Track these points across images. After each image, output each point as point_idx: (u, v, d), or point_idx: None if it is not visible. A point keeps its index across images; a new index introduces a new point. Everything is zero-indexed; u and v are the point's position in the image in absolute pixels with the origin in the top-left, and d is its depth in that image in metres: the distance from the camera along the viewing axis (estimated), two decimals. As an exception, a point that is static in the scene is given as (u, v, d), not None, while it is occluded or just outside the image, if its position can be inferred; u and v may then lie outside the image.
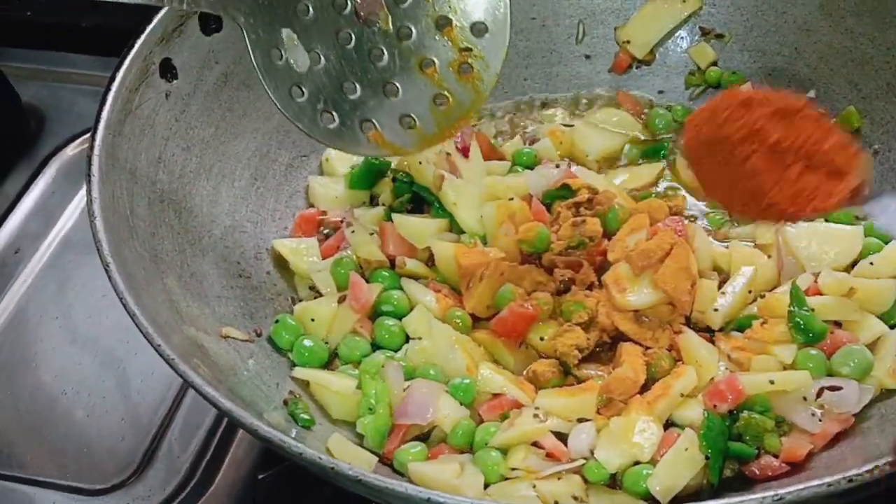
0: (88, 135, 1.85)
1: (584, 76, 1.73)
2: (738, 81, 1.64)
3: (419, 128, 1.34)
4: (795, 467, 1.20)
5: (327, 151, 1.60)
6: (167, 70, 1.41)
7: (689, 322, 1.35)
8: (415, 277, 1.44)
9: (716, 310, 1.34)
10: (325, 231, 1.53)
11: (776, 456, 1.21)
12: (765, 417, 1.21)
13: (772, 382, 1.22)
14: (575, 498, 1.18)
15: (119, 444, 1.49)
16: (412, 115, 1.33)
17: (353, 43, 1.31)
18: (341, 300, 1.39)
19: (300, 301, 1.44)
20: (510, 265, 1.37)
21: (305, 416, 1.27)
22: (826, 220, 1.43)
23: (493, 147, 1.60)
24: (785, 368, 1.26)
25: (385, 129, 1.35)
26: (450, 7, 1.28)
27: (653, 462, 1.20)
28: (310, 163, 1.60)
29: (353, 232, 1.46)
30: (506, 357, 1.34)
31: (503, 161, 1.58)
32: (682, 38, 1.69)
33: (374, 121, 1.34)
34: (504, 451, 1.23)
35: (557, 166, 1.51)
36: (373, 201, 1.56)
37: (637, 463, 1.21)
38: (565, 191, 1.46)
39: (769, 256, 1.41)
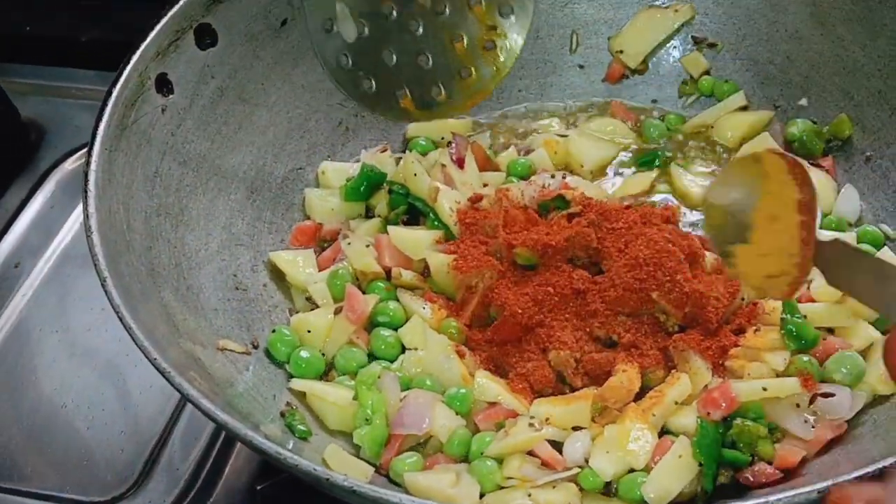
0: (86, 149, 1.92)
1: (578, 86, 1.74)
2: (730, 90, 1.65)
3: (444, 97, 1.51)
4: (789, 474, 1.21)
5: (323, 164, 1.61)
6: (163, 85, 1.42)
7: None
8: (410, 288, 1.44)
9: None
10: (322, 243, 1.54)
11: (770, 462, 1.21)
12: (758, 424, 1.22)
13: (764, 389, 1.23)
14: (570, 506, 1.19)
15: (119, 456, 1.49)
16: (440, 85, 1.50)
17: (393, 16, 1.46)
18: (337, 311, 1.40)
19: (297, 313, 1.45)
20: (503, 277, 1.38)
21: (302, 427, 1.27)
22: (820, 227, 1.44)
23: (488, 158, 1.61)
24: (778, 375, 1.27)
25: (415, 97, 1.50)
26: (482, -13, 1.45)
27: (647, 469, 1.21)
28: (306, 175, 1.61)
29: (349, 244, 1.47)
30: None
31: (498, 171, 1.59)
32: (674, 47, 1.70)
33: (406, 88, 1.50)
34: (500, 461, 1.24)
35: (552, 177, 1.52)
36: (368, 213, 1.57)
37: (632, 470, 1.22)
38: (560, 202, 1.47)
39: (763, 264, 1.42)
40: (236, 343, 1.35)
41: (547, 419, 1.26)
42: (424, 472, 1.24)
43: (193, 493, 1.44)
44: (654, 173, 1.60)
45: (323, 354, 1.39)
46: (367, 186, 1.55)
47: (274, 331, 1.39)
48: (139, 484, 1.46)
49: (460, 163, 1.54)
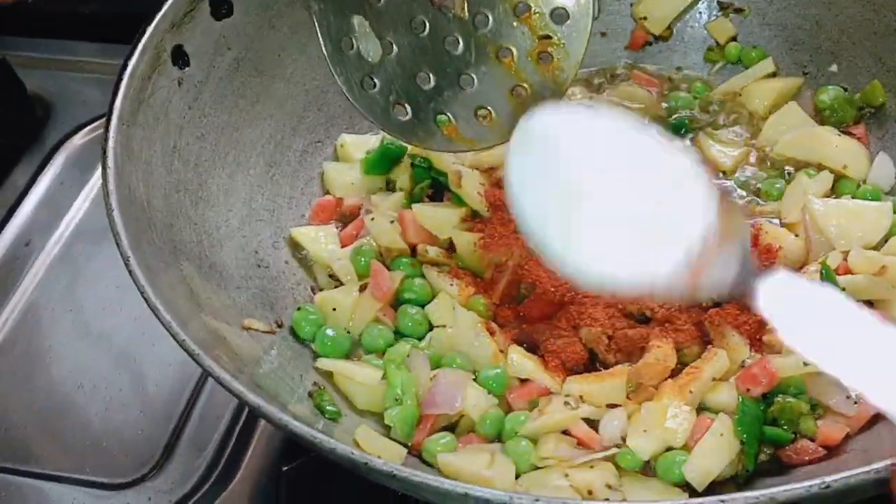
0: (95, 123, 1.89)
1: (601, 54, 1.69)
2: (758, 57, 1.61)
3: (495, 120, 1.28)
4: (832, 451, 1.18)
5: (342, 137, 1.57)
6: (179, 57, 1.38)
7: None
8: (436, 265, 1.41)
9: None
10: (343, 218, 1.50)
11: (812, 440, 1.19)
12: (800, 401, 1.19)
13: (805, 364, 1.20)
14: (608, 486, 1.16)
15: (138, 438, 1.46)
16: (488, 107, 1.28)
17: (426, 31, 1.26)
18: (362, 289, 1.37)
19: (320, 290, 1.42)
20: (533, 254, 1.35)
21: (332, 408, 1.25)
22: (853, 197, 1.41)
23: None
24: (817, 350, 1.24)
25: (460, 122, 1.30)
26: (529, -8, 1.23)
27: (686, 448, 1.18)
28: (324, 149, 1.58)
29: (372, 219, 1.43)
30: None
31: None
32: (700, 12, 1.66)
33: (448, 114, 1.30)
34: (534, 440, 1.21)
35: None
36: (389, 186, 1.54)
37: (670, 449, 1.19)
38: None
39: (796, 235, 1.39)
40: (260, 322, 1.31)
41: (581, 397, 1.23)
42: (458, 452, 1.21)
43: (216, 475, 1.42)
44: (679, 143, 1.56)
45: (348, 332, 1.35)
46: (387, 159, 1.52)
47: (299, 309, 1.36)
48: (160, 465, 1.43)
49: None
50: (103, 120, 1.81)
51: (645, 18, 1.67)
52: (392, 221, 1.43)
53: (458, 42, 1.26)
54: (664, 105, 1.62)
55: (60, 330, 1.61)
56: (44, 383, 1.54)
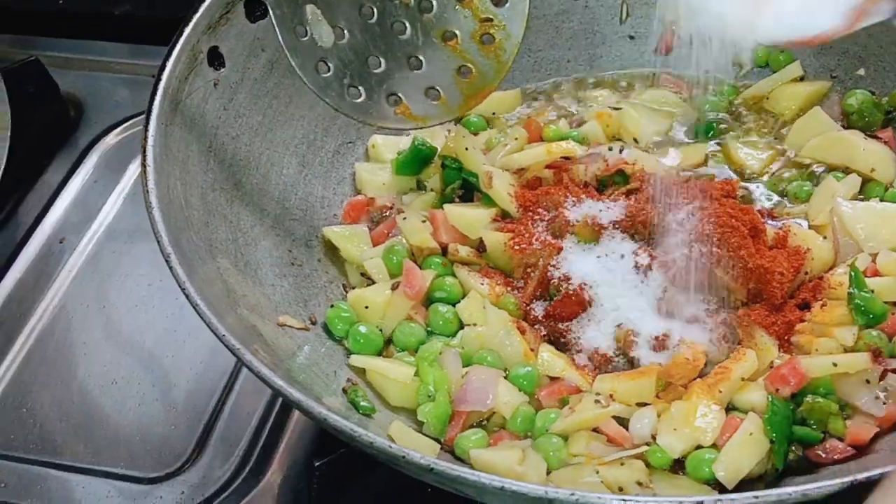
0: (127, 123, 1.92)
1: (629, 57, 1.71)
2: (786, 61, 1.63)
3: (444, 99, 1.38)
4: (860, 450, 1.19)
5: (373, 138, 1.60)
6: (215, 58, 1.41)
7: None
8: (467, 264, 1.43)
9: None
10: (374, 217, 1.52)
11: (841, 439, 1.20)
12: (829, 401, 1.20)
13: (835, 365, 1.21)
14: (639, 483, 1.17)
15: (171, 433, 1.48)
16: (437, 87, 1.38)
17: (375, 17, 1.35)
18: (395, 287, 1.38)
19: (352, 288, 1.44)
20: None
21: (365, 404, 1.26)
22: (881, 200, 1.43)
23: (542, 133, 1.58)
24: (846, 351, 1.25)
25: (411, 102, 1.40)
26: (469, -22, 1.30)
27: (715, 447, 1.20)
28: (356, 149, 1.60)
29: (404, 219, 1.45)
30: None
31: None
32: (728, 17, 1.67)
33: (399, 94, 1.39)
34: (564, 438, 1.23)
35: (610, 149, 1.50)
36: (419, 186, 1.56)
37: (699, 447, 1.20)
38: (619, 177, 1.45)
39: (824, 237, 1.40)
40: (295, 319, 1.34)
41: (611, 395, 1.25)
42: (490, 448, 1.23)
43: (248, 470, 1.43)
44: (707, 146, 1.58)
45: (380, 330, 1.37)
46: (418, 160, 1.54)
47: (332, 306, 1.38)
48: (193, 460, 1.45)
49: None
50: (135, 119, 1.90)
51: (674, 22, 1.68)
52: (423, 221, 1.45)
53: (406, 27, 1.35)
54: (692, 108, 1.63)
55: (93, 327, 1.63)
56: (77, 379, 1.56)
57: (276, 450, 1.44)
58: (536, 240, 1.39)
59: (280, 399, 1.45)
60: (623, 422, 1.24)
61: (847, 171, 1.47)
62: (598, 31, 1.71)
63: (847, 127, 1.53)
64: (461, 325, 1.37)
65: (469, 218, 1.44)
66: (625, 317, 1.33)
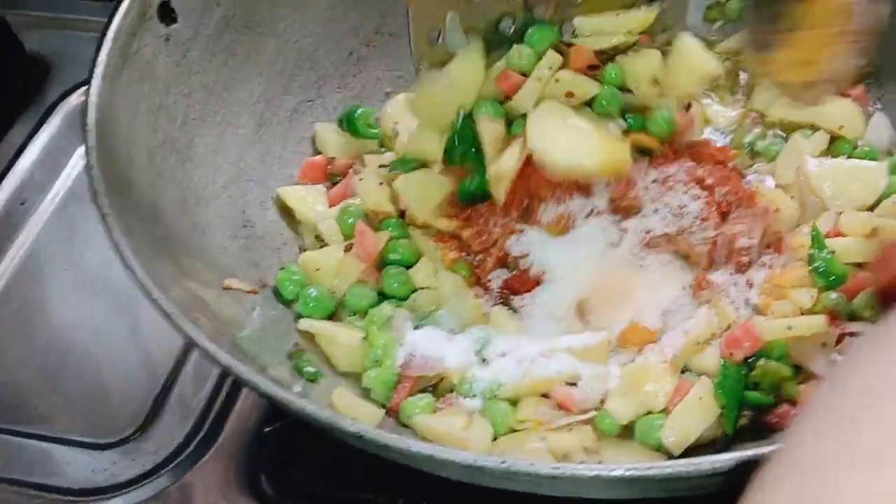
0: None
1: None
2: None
3: None
4: (814, 415, 1.16)
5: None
6: (166, 13, 1.36)
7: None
8: (425, 227, 1.39)
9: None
10: (333, 178, 1.49)
11: (794, 404, 1.17)
12: (782, 365, 1.17)
13: (789, 328, 1.18)
14: (586, 450, 1.15)
15: (129, 396, 1.46)
16: None
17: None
18: (347, 249, 1.35)
19: (306, 251, 1.41)
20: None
21: (310, 369, 1.24)
22: (849, 157, 1.39)
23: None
24: (803, 313, 1.22)
25: None
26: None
27: (665, 412, 1.17)
28: (315, 109, 1.56)
29: (361, 180, 1.42)
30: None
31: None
32: (701, -31, 1.63)
33: None
34: (514, 403, 1.21)
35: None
36: (382, 146, 1.52)
37: (650, 413, 1.18)
38: None
39: (792, 197, 1.36)
40: (243, 282, 1.31)
41: (563, 359, 1.22)
42: (435, 415, 1.21)
43: (201, 436, 1.41)
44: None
45: (333, 293, 1.34)
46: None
47: (282, 268, 1.35)
48: (147, 426, 1.43)
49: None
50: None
51: (645, -25, 1.63)
52: (381, 183, 1.42)
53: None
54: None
55: (56, 288, 1.61)
56: (40, 341, 1.54)
57: (229, 416, 1.42)
58: (495, 225, 1.35)
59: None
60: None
61: (814, 128, 1.43)
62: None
63: (818, 84, 1.49)
64: (416, 289, 1.34)
65: (418, 194, 1.39)
66: (584, 287, 1.30)
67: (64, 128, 1.83)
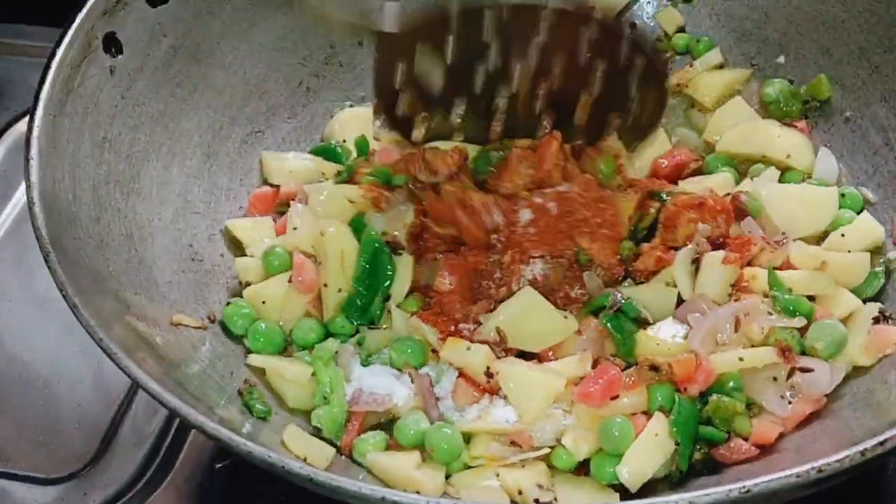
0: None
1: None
2: (706, 48, 1.59)
3: None
4: (766, 450, 1.16)
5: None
6: (111, 44, 1.35)
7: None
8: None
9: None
10: (280, 208, 1.47)
11: (746, 439, 1.17)
12: (734, 400, 1.17)
13: (741, 360, 1.18)
14: (540, 486, 1.14)
15: (76, 432, 1.44)
16: None
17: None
18: (291, 280, 1.33)
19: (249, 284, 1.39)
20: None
21: (260, 407, 1.22)
22: (802, 181, 1.40)
23: None
24: (754, 346, 1.22)
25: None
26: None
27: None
28: (265, 139, 1.55)
29: (295, 229, 1.38)
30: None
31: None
32: (648, 2, 1.64)
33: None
34: (467, 439, 1.19)
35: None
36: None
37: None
38: None
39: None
40: (191, 317, 1.29)
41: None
42: (388, 452, 1.19)
43: (152, 471, 1.39)
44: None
45: (282, 327, 1.32)
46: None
47: (229, 303, 1.33)
48: (97, 460, 1.40)
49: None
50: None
51: (593, 8, 1.63)
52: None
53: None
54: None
55: (6, 313, 1.59)
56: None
57: (180, 451, 1.40)
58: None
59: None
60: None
61: (764, 161, 1.44)
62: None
63: (765, 117, 1.50)
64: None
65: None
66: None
67: (12, 155, 1.80)
